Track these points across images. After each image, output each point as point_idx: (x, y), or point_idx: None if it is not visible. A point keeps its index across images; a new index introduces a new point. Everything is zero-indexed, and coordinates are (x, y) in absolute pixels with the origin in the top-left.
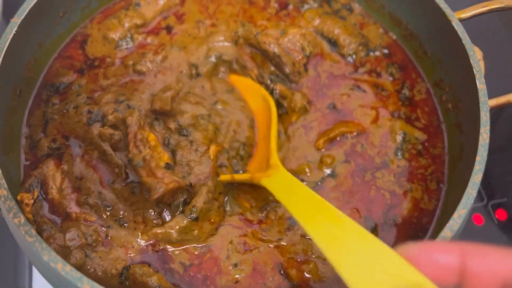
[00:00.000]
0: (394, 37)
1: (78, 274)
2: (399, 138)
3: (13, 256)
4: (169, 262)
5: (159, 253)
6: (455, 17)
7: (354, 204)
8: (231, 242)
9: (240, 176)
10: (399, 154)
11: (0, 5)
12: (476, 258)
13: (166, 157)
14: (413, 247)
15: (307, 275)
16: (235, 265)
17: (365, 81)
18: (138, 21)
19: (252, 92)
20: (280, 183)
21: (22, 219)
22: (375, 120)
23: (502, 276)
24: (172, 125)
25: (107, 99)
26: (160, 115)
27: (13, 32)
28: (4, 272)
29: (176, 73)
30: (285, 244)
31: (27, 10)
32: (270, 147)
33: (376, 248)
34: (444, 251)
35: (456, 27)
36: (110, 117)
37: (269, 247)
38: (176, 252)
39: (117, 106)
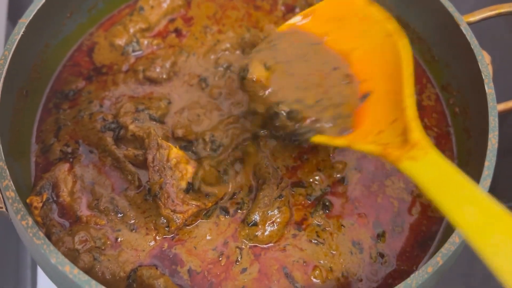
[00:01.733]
0: None
1: (85, 277)
2: None
3: (16, 258)
4: (178, 266)
5: (171, 256)
6: (464, 21)
7: (362, 210)
8: (240, 248)
9: (367, 147)
10: None
11: (5, 7)
12: None
13: (190, 172)
14: None
15: (315, 280)
16: (244, 270)
17: None
18: (143, 25)
19: (357, 25)
20: (431, 172)
21: (30, 221)
22: None
23: None
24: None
25: (126, 108)
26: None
27: (21, 32)
28: (6, 274)
29: (186, 86)
30: (291, 248)
31: (35, 11)
32: (406, 113)
33: None
34: None
35: (464, 31)
36: (131, 127)
37: (275, 250)
38: (189, 258)
39: (138, 116)
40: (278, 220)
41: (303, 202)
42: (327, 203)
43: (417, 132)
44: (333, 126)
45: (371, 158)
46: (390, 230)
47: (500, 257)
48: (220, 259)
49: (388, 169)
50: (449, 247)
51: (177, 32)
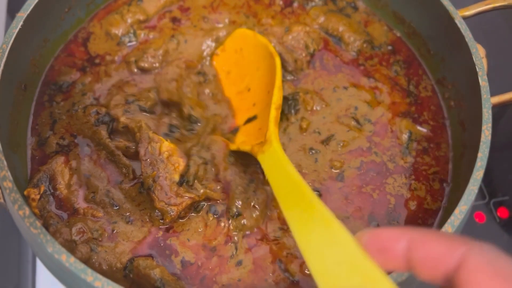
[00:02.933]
0: (399, 34)
1: (82, 265)
2: (404, 137)
3: (17, 251)
4: (172, 255)
5: (166, 246)
6: (458, 15)
7: (357, 204)
8: (236, 242)
9: (243, 146)
10: (406, 152)
11: (4, 1)
12: (418, 245)
13: (182, 165)
14: (364, 235)
15: (308, 272)
16: (239, 264)
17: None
18: (141, 17)
19: (254, 51)
20: (271, 160)
21: (27, 211)
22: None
23: (444, 265)
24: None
25: (116, 101)
26: (167, 105)
27: (19, 26)
28: (8, 268)
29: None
30: (285, 241)
31: (33, 5)
32: (270, 117)
33: (340, 237)
34: (391, 238)
35: (459, 25)
36: (122, 119)
37: (269, 243)
38: (183, 249)
39: (128, 107)
40: (258, 202)
41: None
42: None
43: (270, 130)
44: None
45: (375, 161)
46: (385, 223)
47: (314, 255)
48: (213, 253)
49: (391, 169)
50: None
51: (174, 20)
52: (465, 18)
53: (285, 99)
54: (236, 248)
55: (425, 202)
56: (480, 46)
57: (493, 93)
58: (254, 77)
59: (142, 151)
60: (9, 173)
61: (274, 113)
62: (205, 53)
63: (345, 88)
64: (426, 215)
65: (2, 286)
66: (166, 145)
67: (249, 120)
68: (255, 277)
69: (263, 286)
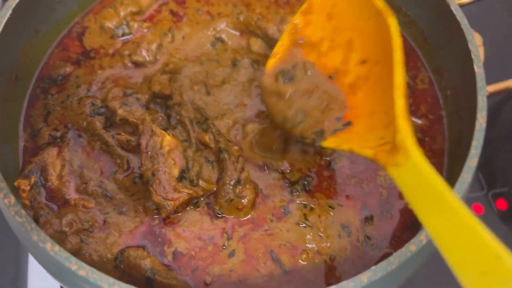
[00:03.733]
0: None
1: (66, 254)
2: None
3: (14, 246)
4: (165, 246)
5: (159, 236)
6: (454, 2)
7: (349, 193)
8: (226, 232)
9: (361, 151)
10: None
11: None
12: None
13: (182, 160)
14: None
15: (302, 262)
16: (231, 254)
17: None
18: (134, 9)
19: (348, 8)
20: (410, 177)
21: (13, 199)
22: None
23: None
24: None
25: (114, 93)
26: (159, 98)
27: (8, 15)
28: (5, 262)
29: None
30: (278, 232)
31: None
32: (394, 110)
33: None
34: None
35: (454, 11)
36: (120, 112)
37: (261, 233)
38: (177, 240)
39: (126, 100)
40: (244, 203)
41: (281, 184)
42: (305, 181)
43: (401, 132)
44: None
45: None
46: (378, 214)
47: (468, 273)
48: (208, 244)
49: None
50: None
51: (173, 14)
52: (462, 6)
53: None
54: (228, 239)
55: None
56: (477, 34)
57: (491, 82)
58: (349, 48)
59: (143, 143)
60: None
61: (401, 103)
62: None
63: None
64: None
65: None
66: (168, 140)
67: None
68: (247, 267)
69: (255, 276)
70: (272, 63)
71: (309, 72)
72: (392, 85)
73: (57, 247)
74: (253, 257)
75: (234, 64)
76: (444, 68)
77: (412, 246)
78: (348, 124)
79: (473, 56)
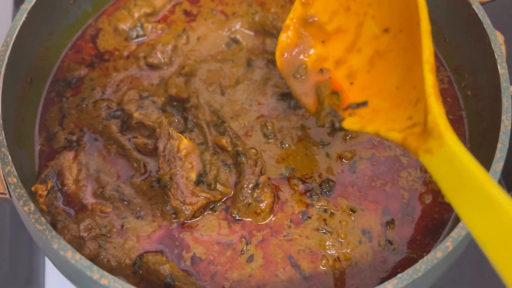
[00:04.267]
0: None
1: (87, 262)
2: None
3: (28, 245)
4: (183, 251)
5: (177, 241)
6: (476, 0)
7: (370, 197)
8: (245, 237)
9: (389, 134)
10: None
11: None
12: None
13: (199, 164)
14: None
15: (322, 268)
16: (250, 260)
17: None
18: (148, 10)
19: None
20: (447, 167)
21: (32, 207)
22: None
23: None
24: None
25: (130, 96)
26: (176, 101)
27: (23, 19)
28: (19, 262)
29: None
30: (297, 237)
31: None
32: (425, 87)
33: None
34: None
35: (476, 10)
36: (136, 115)
37: (279, 239)
38: (195, 245)
39: (142, 103)
40: (262, 207)
41: (300, 188)
42: (327, 185)
43: (434, 113)
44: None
45: (386, 151)
46: (399, 218)
47: (509, 265)
48: (226, 249)
49: (404, 163)
50: (459, 232)
51: (187, 14)
52: (482, 4)
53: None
54: (246, 243)
55: (440, 195)
56: (498, 33)
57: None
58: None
59: (161, 147)
60: (13, 169)
61: (431, 79)
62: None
63: None
64: (441, 209)
65: (13, 279)
66: (185, 143)
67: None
68: (266, 273)
69: (274, 281)
70: (282, 45)
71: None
72: (418, 57)
73: (78, 255)
74: (272, 262)
75: (249, 64)
76: (464, 67)
77: (438, 253)
78: (363, 104)
79: (496, 57)
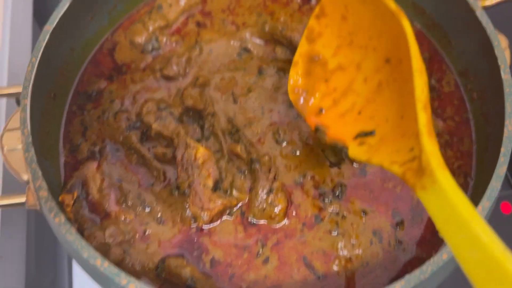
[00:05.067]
0: (419, 26)
1: (115, 270)
2: None
3: (52, 247)
4: (203, 254)
5: (197, 245)
6: (479, 7)
7: (381, 199)
8: (260, 240)
9: (391, 167)
10: None
11: (30, 7)
12: None
13: (216, 171)
14: None
15: (335, 268)
16: (266, 261)
17: None
18: (162, 23)
19: (361, 10)
20: (438, 203)
21: (63, 218)
22: None
23: None
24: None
25: (148, 108)
26: (192, 111)
27: (46, 39)
28: (44, 263)
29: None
30: (310, 239)
31: (59, 17)
32: (418, 126)
33: None
34: None
35: (480, 17)
36: (155, 126)
37: (293, 241)
38: (214, 248)
39: (160, 114)
40: (276, 212)
41: (313, 193)
42: (339, 189)
43: (425, 152)
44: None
45: None
46: (409, 219)
47: None
48: (243, 252)
49: None
50: None
51: (200, 25)
52: (486, 8)
53: None
54: (262, 246)
55: None
56: (502, 37)
57: None
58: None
59: (179, 156)
60: (44, 183)
61: (423, 118)
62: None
63: None
64: None
65: (40, 281)
66: (201, 152)
67: (362, 133)
68: (281, 274)
69: (289, 282)
70: (293, 82)
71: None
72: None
73: (106, 263)
74: (287, 264)
75: (260, 72)
76: (469, 70)
77: (444, 255)
78: (371, 133)
79: (499, 63)
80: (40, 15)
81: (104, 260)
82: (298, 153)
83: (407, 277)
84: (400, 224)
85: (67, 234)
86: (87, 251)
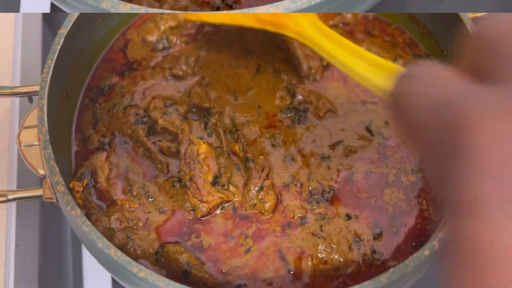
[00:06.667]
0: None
1: (128, 258)
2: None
3: (57, 236)
4: (197, 240)
5: (191, 232)
6: (469, 19)
7: (364, 206)
8: (245, 233)
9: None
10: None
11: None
12: None
13: (216, 167)
14: None
15: (307, 266)
16: (248, 250)
17: None
18: (173, 23)
19: None
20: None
21: (79, 211)
22: None
23: None
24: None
25: (156, 104)
26: (198, 109)
27: (61, 42)
28: (51, 251)
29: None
30: (293, 238)
31: (72, 21)
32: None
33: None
34: None
35: (470, 30)
36: (161, 121)
37: (276, 235)
38: (206, 236)
39: (166, 110)
40: (266, 207)
41: (301, 196)
42: (326, 193)
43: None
44: None
45: (383, 167)
46: (386, 229)
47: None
48: (230, 241)
49: (390, 181)
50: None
51: (208, 25)
52: (475, 19)
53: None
54: (245, 237)
55: (426, 212)
56: None
57: None
58: None
59: (182, 151)
60: (61, 178)
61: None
62: None
63: (364, 103)
64: (426, 223)
65: (48, 269)
66: (204, 148)
67: None
68: (258, 263)
69: (264, 271)
70: None
71: None
72: None
73: (119, 253)
74: (264, 254)
75: (258, 70)
76: None
77: (426, 251)
78: None
79: None
80: (48, 17)
81: (118, 250)
82: (290, 156)
83: (392, 270)
84: (379, 235)
85: (83, 226)
86: (102, 242)
